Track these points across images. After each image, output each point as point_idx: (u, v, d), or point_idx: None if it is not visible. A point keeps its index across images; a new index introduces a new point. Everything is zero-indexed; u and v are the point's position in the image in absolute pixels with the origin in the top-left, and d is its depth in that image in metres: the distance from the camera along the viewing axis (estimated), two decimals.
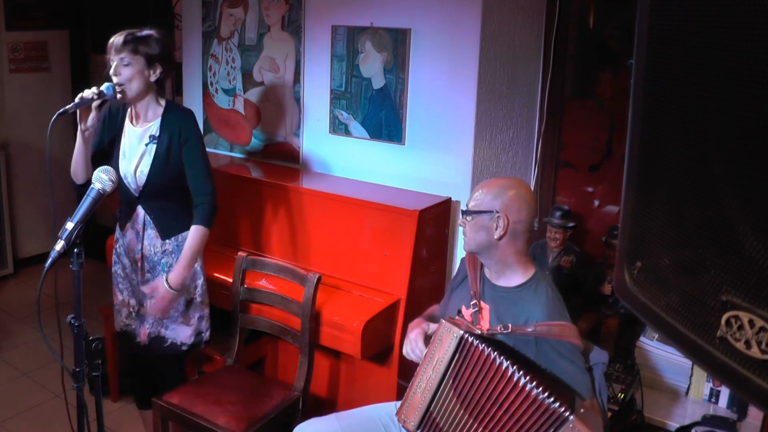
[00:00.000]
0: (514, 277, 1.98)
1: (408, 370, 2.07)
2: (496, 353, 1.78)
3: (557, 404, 1.68)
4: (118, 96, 2.34)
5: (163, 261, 2.51)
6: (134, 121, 2.49)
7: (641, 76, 0.94)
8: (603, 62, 3.24)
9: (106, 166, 2.02)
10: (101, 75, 2.43)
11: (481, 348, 1.80)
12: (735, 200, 0.76)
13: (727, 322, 0.78)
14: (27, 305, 4.31)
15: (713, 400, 2.91)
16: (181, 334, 2.56)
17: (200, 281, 2.58)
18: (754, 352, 0.75)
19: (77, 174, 2.48)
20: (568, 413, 1.67)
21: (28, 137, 4.73)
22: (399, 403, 2.19)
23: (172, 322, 2.54)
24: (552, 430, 1.69)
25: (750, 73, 0.72)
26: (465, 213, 1.98)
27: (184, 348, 2.58)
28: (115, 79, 2.33)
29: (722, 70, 0.76)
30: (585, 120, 3.32)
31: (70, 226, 1.87)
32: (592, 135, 3.32)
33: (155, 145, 2.44)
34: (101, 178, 1.97)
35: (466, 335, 1.84)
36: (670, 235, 0.89)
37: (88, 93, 2.26)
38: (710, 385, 2.91)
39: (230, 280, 2.79)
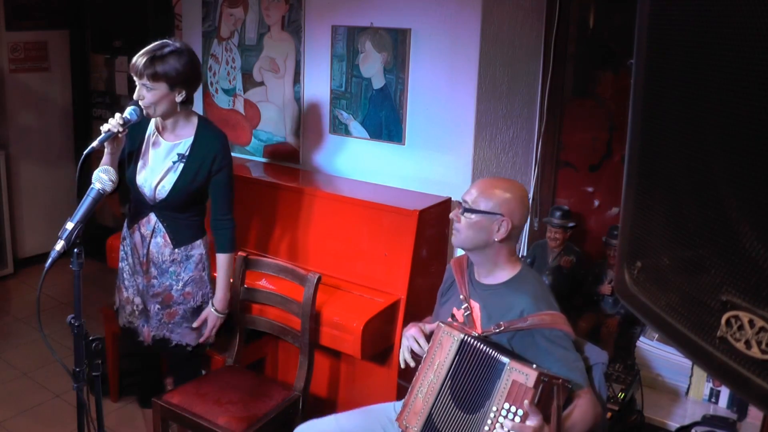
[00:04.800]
0: (501, 274, 2.01)
1: (408, 370, 2.07)
2: (494, 351, 1.80)
3: (494, 352, 1.78)
4: (146, 115, 2.32)
5: (171, 269, 2.51)
6: (162, 133, 2.44)
7: (641, 76, 0.94)
8: (603, 62, 3.24)
9: (105, 166, 2.02)
10: (101, 74, 2.43)
11: (481, 347, 1.82)
12: (735, 200, 0.76)
13: (727, 322, 0.78)
14: (27, 305, 4.31)
15: (713, 400, 2.91)
16: (187, 337, 2.58)
17: (206, 290, 2.59)
18: (754, 352, 0.75)
19: None
20: (503, 357, 1.76)
21: (28, 137, 4.73)
22: (398, 403, 2.19)
23: (177, 326, 2.55)
24: (495, 377, 1.77)
25: (750, 72, 0.72)
26: (469, 211, 1.95)
27: (189, 348, 2.60)
28: (141, 103, 2.28)
29: (722, 69, 0.76)
30: (585, 120, 3.32)
31: (70, 226, 1.87)
32: (592, 135, 3.31)
33: (183, 164, 2.39)
34: (101, 178, 1.97)
35: (466, 338, 1.85)
36: (670, 235, 0.89)
37: (114, 125, 2.20)
38: (710, 385, 2.91)
39: (230, 280, 2.79)
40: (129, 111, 2.25)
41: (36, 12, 4.71)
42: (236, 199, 3.17)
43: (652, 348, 3.00)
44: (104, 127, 2.21)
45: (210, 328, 2.56)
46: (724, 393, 2.88)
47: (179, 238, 2.48)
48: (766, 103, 0.70)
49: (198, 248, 2.53)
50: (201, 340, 2.57)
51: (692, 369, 2.94)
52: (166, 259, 2.49)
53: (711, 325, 0.81)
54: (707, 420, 2.75)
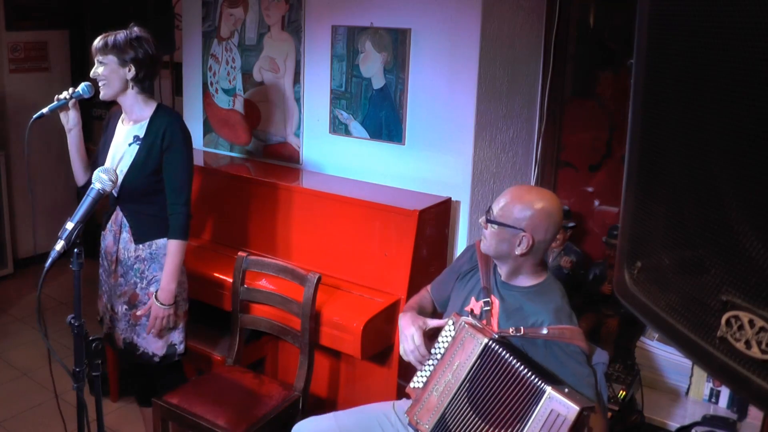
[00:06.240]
0: (525, 281, 2.01)
1: (409, 370, 2.07)
2: (518, 362, 1.79)
3: (534, 378, 1.74)
4: (101, 95, 2.40)
5: (135, 266, 2.46)
6: (124, 121, 2.50)
7: (641, 76, 0.94)
8: (603, 62, 3.24)
9: (105, 166, 2.03)
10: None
11: (504, 355, 1.81)
12: (735, 200, 0.76)
13: (727, 322, 0.78)
14: (27, 305, 4.31)
15: (713, 400, 2.91)
16: (152, 344, 2.49)
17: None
18: (754, 352, 0.75)
19: (77, 175, 2.53)
20: (543, 385, 1.72)
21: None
22: (397, 402, 2.19)
23: (143, 329, 2.48)
24: (531, 402, 1.74)
25: (750, 72, 0.72)
26: (490, 221, 1.95)
27: (156, 359, 2.51)
28: (98, 80, 2.40)
29: (722, 69, 0.76)
30: (585, 120, 3.32)
31: (70, 226, 1.87)
32: (592, 135, 3.32)
33: (138, 145, 2.42)
34: (101, 178, 1.97)
35: (491, 342, 1.84)
36: (670, 235, 0.89)
37: (63, 94, 2.39)
38: (710, 385, 2.91)
39: (230, 280, 2.79)
40: (81, 86, 2.42)
41: (36, 12, 4.71)
42: (236, 199, 3.19)
43: (652, 348, 3.01)
44: (55, 97, 2.39)
45: (152, 320, 2.42)
46: (724, 393, 2.89)
47: (140, 233, 2.45)
48: (766, 103, 0.70)
49: (163, 249, 2.45)
50: (146, 332, 2.46)
51: (692, 369, 2.94)
52: (131, 255, 2.46)
53: (711, 325, 0.81)
54: (707, 420, 2.76)
